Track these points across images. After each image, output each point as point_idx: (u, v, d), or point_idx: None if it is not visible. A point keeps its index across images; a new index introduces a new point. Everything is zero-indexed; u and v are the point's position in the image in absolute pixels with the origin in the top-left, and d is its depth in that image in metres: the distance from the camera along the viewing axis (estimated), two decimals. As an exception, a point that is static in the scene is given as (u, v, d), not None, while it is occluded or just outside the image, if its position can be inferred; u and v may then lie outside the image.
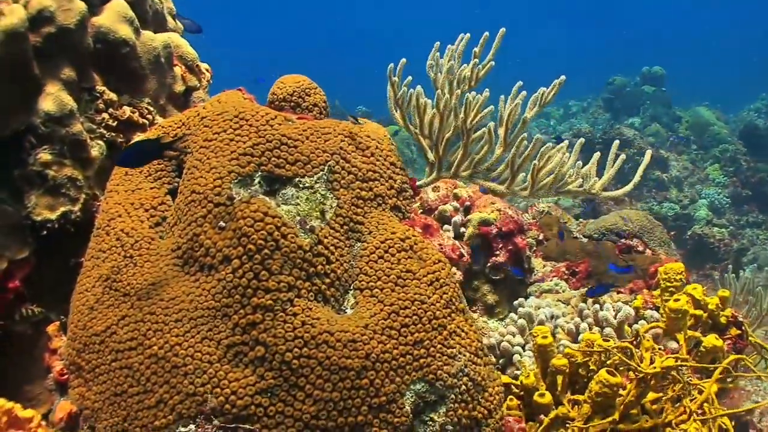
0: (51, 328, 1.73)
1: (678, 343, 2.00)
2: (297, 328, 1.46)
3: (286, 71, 1.96)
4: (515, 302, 2.58)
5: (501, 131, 1.80)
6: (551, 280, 2.95)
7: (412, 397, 1.49)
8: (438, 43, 1.89)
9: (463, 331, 1.62)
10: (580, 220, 3.45)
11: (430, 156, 1.84)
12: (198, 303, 1.51)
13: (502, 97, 1.79)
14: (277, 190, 1.61)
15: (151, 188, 1.71)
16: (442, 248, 2.18)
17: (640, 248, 3.10)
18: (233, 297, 1.48)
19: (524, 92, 1.79)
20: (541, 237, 3.21)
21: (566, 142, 1.91)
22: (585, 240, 3.29)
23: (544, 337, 1.91)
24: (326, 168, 1.64)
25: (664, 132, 9.89)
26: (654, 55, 16.90)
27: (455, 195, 2.33)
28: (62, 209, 1.73)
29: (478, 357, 1.64)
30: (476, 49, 1.87)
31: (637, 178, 1.85)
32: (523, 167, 1.79)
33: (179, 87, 2.10)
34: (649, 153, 1.96)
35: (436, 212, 2.87)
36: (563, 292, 2.89)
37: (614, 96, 11.55)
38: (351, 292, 1.60)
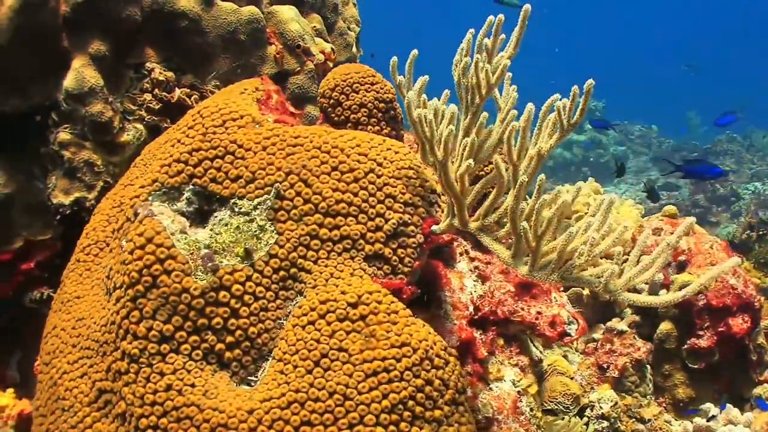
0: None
1: None
2: (159, 391, 1.13)
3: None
4: (703, 406, 1.85)
5: (507, 168, 1.13)
6: (785, 385, 2.06)
7: None
8: (471, 30, 1.23)
9: (415, 452, 1.11)
10: None
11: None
12: (91, 331, 1.26)
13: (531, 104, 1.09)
14: (214, 212, 1.26)
15: (141, 186, 1.48)
16: (536, 318, 1.57)
17: None
18: (111, 334, 1.20)
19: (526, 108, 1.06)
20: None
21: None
22: None
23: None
24: (273, 191, 1.23)
25: None
26: None
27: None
28: (76, 195, 1.61)
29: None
30: (488, 41, 1.20)
31: (699, 283, 1.03)
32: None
33: (268, 69, 1.81)
34: (736, 259, 1.10)
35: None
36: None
37: None
38: (270, 360, 1.19)
